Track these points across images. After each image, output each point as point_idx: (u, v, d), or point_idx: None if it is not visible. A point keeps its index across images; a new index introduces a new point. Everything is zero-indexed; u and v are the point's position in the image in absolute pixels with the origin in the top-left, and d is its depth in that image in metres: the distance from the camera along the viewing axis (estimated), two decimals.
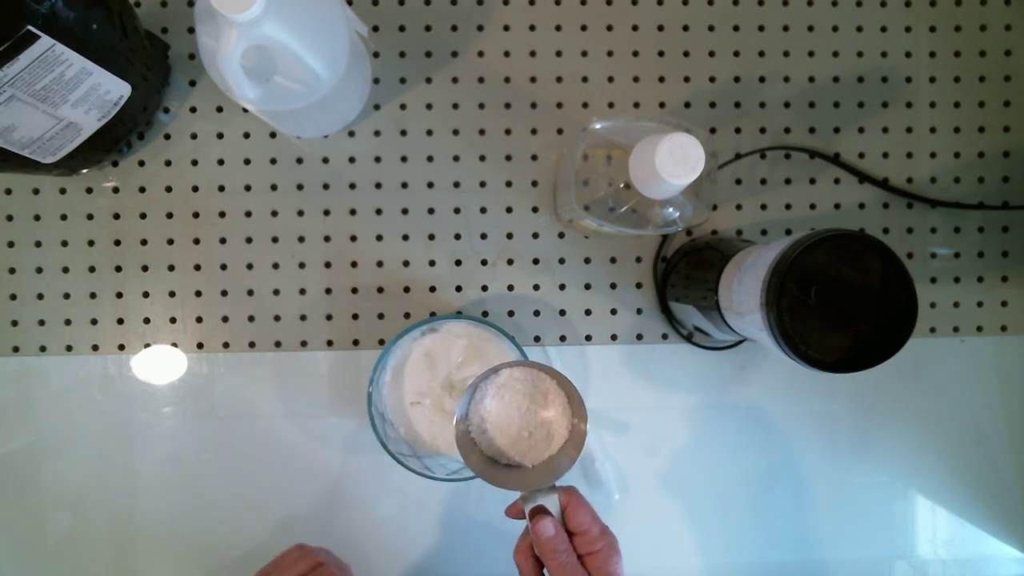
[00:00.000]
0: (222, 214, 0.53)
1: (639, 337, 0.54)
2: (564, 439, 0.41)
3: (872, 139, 0.55)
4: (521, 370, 0.41)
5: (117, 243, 0.53)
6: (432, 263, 0.53)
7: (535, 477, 0.39)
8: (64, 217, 0.52)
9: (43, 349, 0.52)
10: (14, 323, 0.52)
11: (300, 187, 0.53)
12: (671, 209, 0.43)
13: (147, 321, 0.53)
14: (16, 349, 0.52)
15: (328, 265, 0.53)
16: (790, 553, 0.54)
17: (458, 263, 0.53)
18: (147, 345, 0.53)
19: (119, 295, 0.53)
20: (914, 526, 0.55)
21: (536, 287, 0.54)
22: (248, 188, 0.53)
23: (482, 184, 0.54)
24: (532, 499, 0.37)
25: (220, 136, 0.53)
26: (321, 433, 0.53)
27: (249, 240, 0.53)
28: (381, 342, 0.53)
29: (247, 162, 0.53)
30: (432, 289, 0.53)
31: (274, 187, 0.53)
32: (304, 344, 0.53)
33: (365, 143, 0.53)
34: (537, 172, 0.54)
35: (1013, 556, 0.55)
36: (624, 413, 0.54)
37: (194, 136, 0.53)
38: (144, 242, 0.53)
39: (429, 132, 0.54)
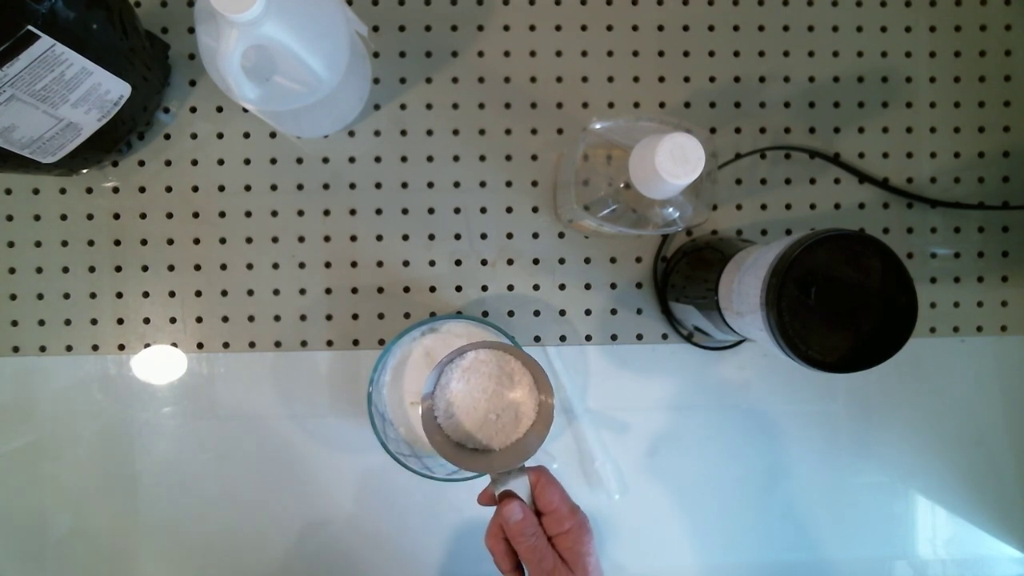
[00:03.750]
0: (222, 214, 0.53)
1: (639, 337, 0.54)
2: (532, 420, 0.40)
3: (872, 139, 0.55)
4: (486, 352, 0.41)
5: (117, 243, 0.53)
6: (432, 263, 0.53)
7: (504, 460, 0.39)
8: (64, 217, 0.52)
9: (43, 349, 0.52)
10: (14, 323, 0.52)
11: (300, 187, 0.53)
12: (671, 209, 0.43)
13: (147, 321, 0.53)
14: (16, 349, 0.52)
15: (328, 265, 0.53)
16: (790, 553, 0.54)
17: (458, 263, 0.53)
18: (147, 345, 0.53)
19: (119, 295, 0.53)
20: (914, 526, 0.55)
21: (536, 287, 0.54)
22: (248, 188, 0.53)
23: (482, 184, 0.54)
24: (502, 482, 0.37)
25: (220, 136, 0.53)
26: (321, 433, 0.53)
27: (249, 240, 0.53)
28: (381, 342, 0.53)
29: (247, 162, 0.53)
30: (432, 289, 0.53)
31: (274, 187, 0.53)
32: (304, 344, 0.53)
33: (365, 143, 0.53)
34: (537, 172, 0.54)
35: (1013, 556, 0.55)
36: (624, 413, 0.54)
37: (194, 136, 0.53)
38: (144, 242, 0.53)
39: (429, 132, 0.54)
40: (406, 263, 0.53)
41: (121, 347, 0.53)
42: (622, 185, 0.42)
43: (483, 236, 0.54)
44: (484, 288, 0.54)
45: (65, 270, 0.52)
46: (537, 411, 0.40)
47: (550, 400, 0.39)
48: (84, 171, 0.52)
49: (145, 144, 0.53)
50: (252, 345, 0.53)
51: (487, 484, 0.38)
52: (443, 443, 0.39)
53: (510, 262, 0.54)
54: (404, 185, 0.53)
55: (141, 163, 0.53)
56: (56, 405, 0.52)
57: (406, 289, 0.53)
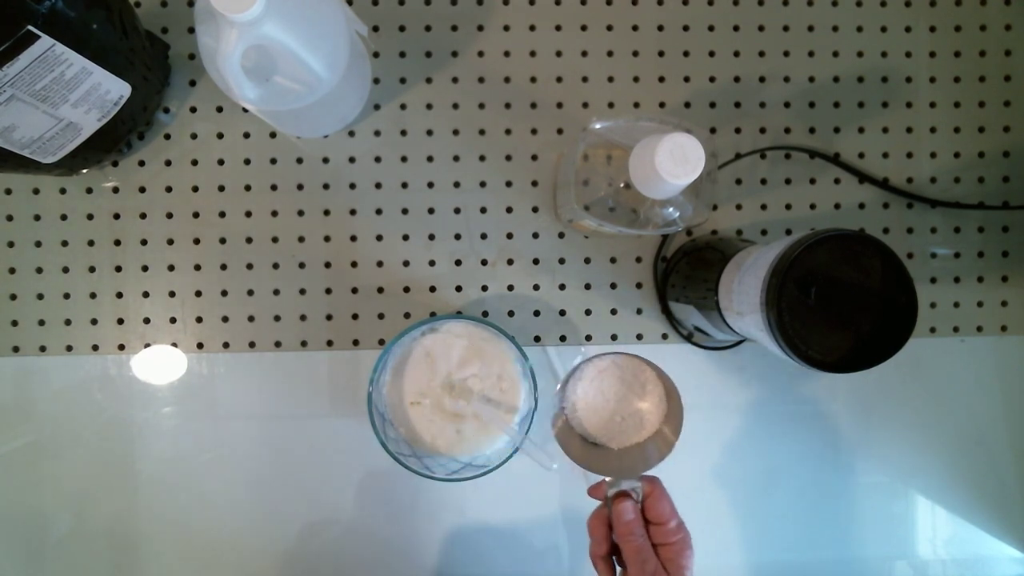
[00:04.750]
0: (222, 214, 0.53)
1: (639, 337, 0.54)
2: (655, 429, 0.42)
3: (872, 139, 0.55)
4: (625, 359, 0.42)
5: (117, 243, 0.53)
6: (432, 263, 0.53)
7: (621, 462, 0.40)
8: (64, 217, 0.52)
9: (43, 349, 0.52)
10: (14, 323, 0.52)
11: (300, 187, 0.53)
12: (671, 209, 0.43)
13: (147, 321, 0.53)
14: (16, 349, 0.52)
15: (328, 265, 0.53)
16: (790, 553, 0.54)
17: (458, 263, 0.53)
18: (147, 345, 0.53)
19: (119, 295, 0.53)
20: (914, 526, 0.55)
21: (536, 287, 0.54)
22: (248, 188, 0.53)
23: (482, 184, 0.54)
24: (616, 484, 0.39)
25: (220, 136, 0.53)
26: (321, 433, 0.53)
27: (249, 240, 0.53)
28: (381, 342, 0.53)
29: (247, 162, 0.53)
30: (432, 289, 0.53)
31: (274, 187, 0.53)
32: (304, 344, 0.53)
33: (365, 143, 0.53)
34: (537, 172, 0.54)
35: (1013, 556, 0.55)
36: None
37: (194, 136, 0.53)
38: (144, 242, 0.53)
39: (429, 132, 0.54)
40: (406, 263, 0.53)
41: (121, 347, 0.53)
42: (622, 185, 0.42)
43: (483, 236, 0.54)
44: (484, 288, 0.54)
45: (65, 270, 0.52)
46: (662, 422, 0.42)
47: (673, 437, 0.41)
48: (84, 171, 0.52)
49: (145, 144, 0.53)
50: (252, 345, 0.53)
51: (601, 481, 0.39)
52: (579, 450, 0.41)
53: (510, 262, 0.54)
54: (404, 185, 0.53)
55: (141, 163, 0.53)
56: (56, 405, 0.52)
57: (406, 289, 0.53)
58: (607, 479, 0.39)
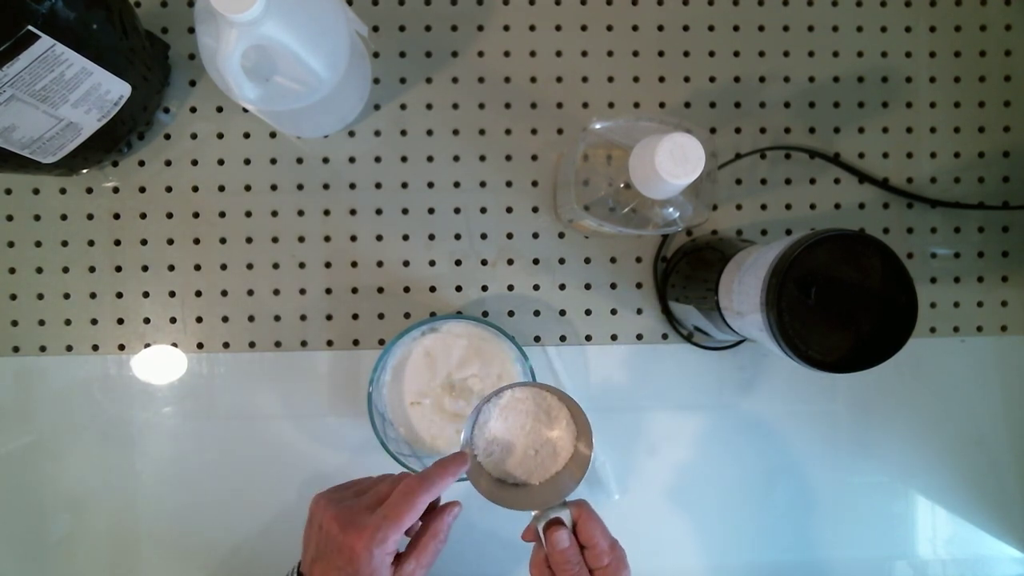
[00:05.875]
0: (222, 214, 0.53)
1: (639, 337, 0.54)
2: (570, 454, 0.41)
3: (872, 139, 0.55)
4: (522, 390, 0.42)
5: (117, 243, 0.53)
6: (432, 263, 0.53)
7: (543, 495, 0.40)
8: (64, 217, 0.52)
9: (43, 349, 0.52)
10: (14, 323, 0.52)
11: (300, 187, 0.53)
12: (671, 209, 0.43)
13: (147, 321, 0.53)
14: (16, 349, 0.52)
15: (328, 265, 0.53)
16: (790, 553, 0.54)
17: (458, 263, 0.53)
18: (147, 345, 0.53)
19: (119, 295, 0.53)
20: (914, 526, 0.55)
21: (536, 287, 0.54)
22: (248, 188, 0.53)
23: (482, 184, 0.54)
24: (545, 516, 0.38)
25: (220, 136, 0.53)
26: (321, 433, 0.53)
27: (249, 240, 0.53)
28: (381, 342, 0.53)
29: (247, 162, 0.53)
30: (432, 289, 0.53)
31: (274, 187, 0.53)
32: (304, 344, 0.53)
33: (365, 143, 0.53)
34: (537, 172, 0.54)
35: (1013, 556, 0.55)
36: (624, 413, 0.54)
37: (194, 136, 0.53)
38: (144, 242, 0.53)
39: (429, 132, 0.54)
40: (406, 263, 0.53)
41: (121, 347, 0.53)
42: (622, 185, 0.42)
43: (483, 236, 0.54)
44: (484, 288, 0.54)
45: (65, 270, 0.52)
46: (575, 447, 0.41)
47: (586, 449, 0.40)
48: (84, 171, 0.52)
49: (145, 144, 0.53)
50: (252, 345, 0.53)
51: (530, 520, 0.39)
52: (489, 487, 0.40)
53: (510, 262, 0.54)
54: (404, 185, 0.53)
55: (141, 163, 0.53)
56: (56, 405, 0.52)
57: (406, 289, 0.53)
58: (534, 514, 0.38)
